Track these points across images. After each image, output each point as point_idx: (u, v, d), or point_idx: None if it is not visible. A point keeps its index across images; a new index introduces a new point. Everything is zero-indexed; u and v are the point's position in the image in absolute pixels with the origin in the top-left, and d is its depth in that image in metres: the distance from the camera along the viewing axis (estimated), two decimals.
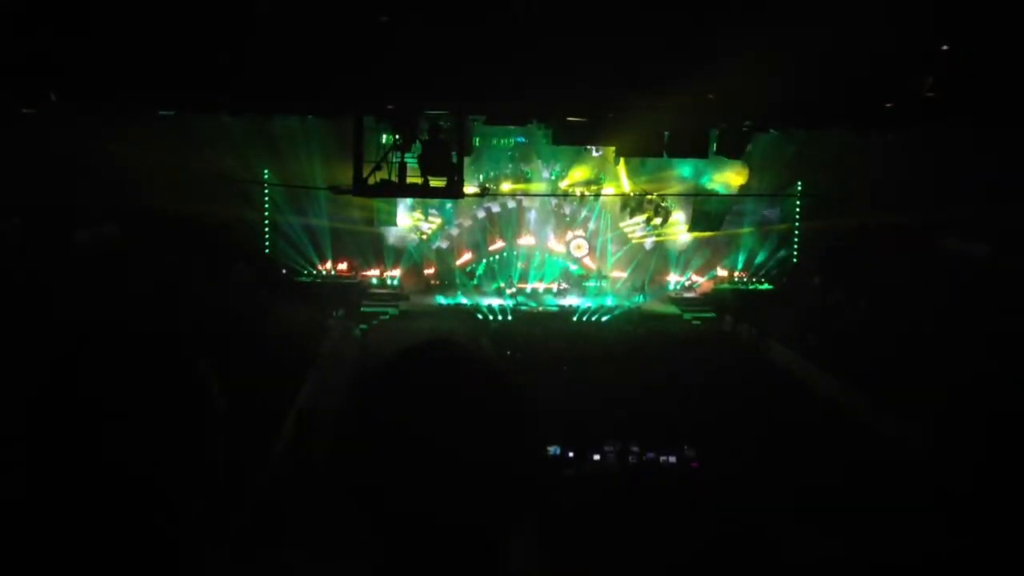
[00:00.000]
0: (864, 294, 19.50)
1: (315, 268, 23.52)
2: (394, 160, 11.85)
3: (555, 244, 24.86)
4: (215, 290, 18.24)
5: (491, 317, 22.04)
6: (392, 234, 23.87)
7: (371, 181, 11.86)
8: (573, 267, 24.92)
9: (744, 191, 22.43)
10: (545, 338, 19.84)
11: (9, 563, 1.17)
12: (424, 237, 24.38)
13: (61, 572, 1.18)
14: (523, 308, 23.06)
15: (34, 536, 1.18)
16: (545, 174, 24.15)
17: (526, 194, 24.18)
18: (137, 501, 1.22)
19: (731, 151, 13.60)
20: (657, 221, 23.67)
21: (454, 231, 24.66)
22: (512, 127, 19.73)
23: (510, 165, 23.85)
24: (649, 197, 22.77)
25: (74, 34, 8.34)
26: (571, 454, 11.84)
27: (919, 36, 8.70)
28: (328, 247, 23.36)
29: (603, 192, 23.94)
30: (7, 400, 1.22)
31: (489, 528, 1.29)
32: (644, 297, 24.08)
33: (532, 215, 24.76)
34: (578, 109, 12.08)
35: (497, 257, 24.88)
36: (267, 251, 23.02)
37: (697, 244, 24.39)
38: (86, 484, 1.18)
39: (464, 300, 23.41)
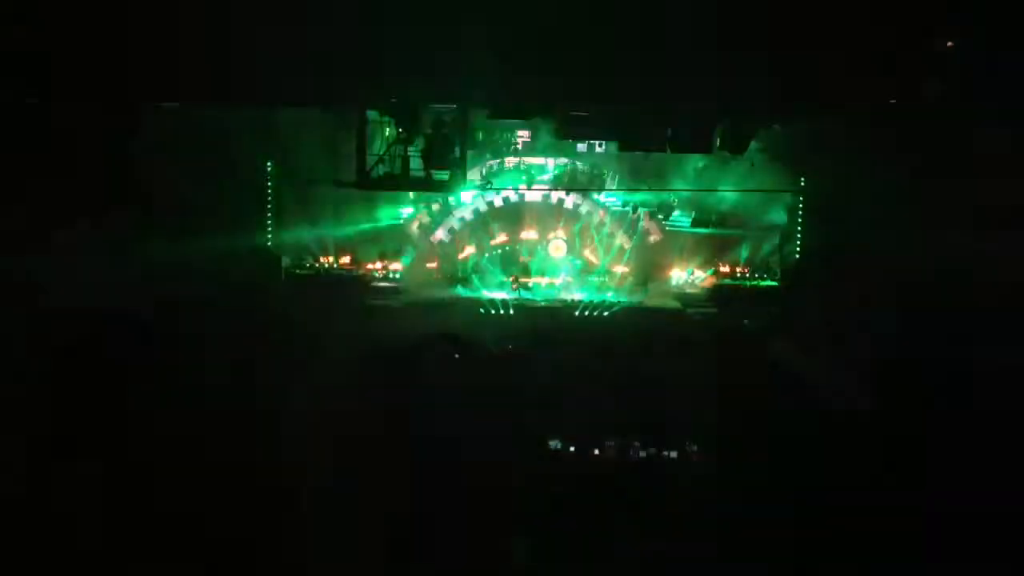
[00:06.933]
0: (866, 291, 19.45)
1: (317, 261, 23.49)
2: (397, 154, 11.87)
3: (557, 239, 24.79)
4: (216, 284, 18.22)
5: (493, 311, 22.03)
6: (395, 228, 23.84)
7: (374, 174, 11.88)
8: (576, 261, 24.86)
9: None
10: (547, 332, 19.80)
11: (10, 559, 1.17)
12: (425, 232, 24.34)
13: (61, 566, 1.18)
14: (525, 302, 23.04)
15: (37, 530, 1.18)
16: (548, 168, 24.09)
17: (528, 188, 24.10)
18: (136, 499, 1.22)
19: (734, 147, 13.55)
20: (660, 216, 23.62)
21: (456, 224, 24.62)
22: (515, 121, 19.68)
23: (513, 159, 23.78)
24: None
25: (75, 25, 8.35)
26: (572, 448, 11.83)
27: (923, 33, 8.68)
28: (330, 240, 23.32)
29: (605, 187, 23.86)
30: (5, 395, 1.22)
31: (491, 521, 1.29)
32: (646, 292, 24.03)
33: (534, 209, 24.69)
34: (582, 103, 12.04)
35: (499, 251, 24.83)
36: (268, 243, 22.98)
37: (699, 239, 24.30)
38: (83, 481, 1.18)
39: (466, 294, 23.40)
